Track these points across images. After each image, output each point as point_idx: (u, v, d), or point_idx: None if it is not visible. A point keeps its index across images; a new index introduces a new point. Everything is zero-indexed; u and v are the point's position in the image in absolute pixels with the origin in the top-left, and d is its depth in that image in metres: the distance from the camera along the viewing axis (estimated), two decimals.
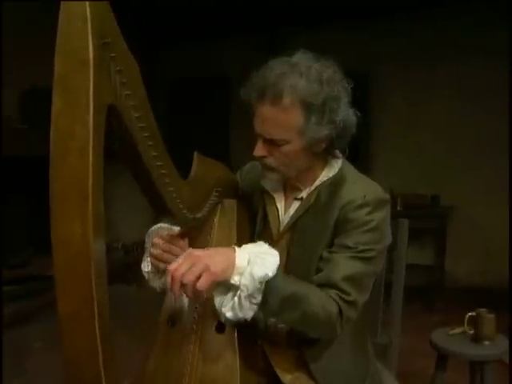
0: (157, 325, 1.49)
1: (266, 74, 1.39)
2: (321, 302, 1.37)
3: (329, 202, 1.51)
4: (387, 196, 1.53)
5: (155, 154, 1.19)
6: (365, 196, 1.47)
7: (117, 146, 1.14)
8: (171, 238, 1.47)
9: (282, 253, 1.54)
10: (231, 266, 1.26)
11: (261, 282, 1.26)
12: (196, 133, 6.93)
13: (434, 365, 2.61)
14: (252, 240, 1.61)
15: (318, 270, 1.46)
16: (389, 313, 2.02)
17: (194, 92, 7.09)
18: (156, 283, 1.53)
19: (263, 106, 1.40)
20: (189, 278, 1.20)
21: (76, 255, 0.92)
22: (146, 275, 1.55)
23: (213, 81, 6.92)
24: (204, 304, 1.45)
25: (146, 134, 1.15)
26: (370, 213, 1.46)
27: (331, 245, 1.48)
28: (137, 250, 5.71)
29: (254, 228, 1.64)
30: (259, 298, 1.28)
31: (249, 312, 1.29)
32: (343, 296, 1.40)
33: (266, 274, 1.27)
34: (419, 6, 5.48)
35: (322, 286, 1.41)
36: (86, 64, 0.93)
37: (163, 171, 1.23)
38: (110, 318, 0.96)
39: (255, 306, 1.29)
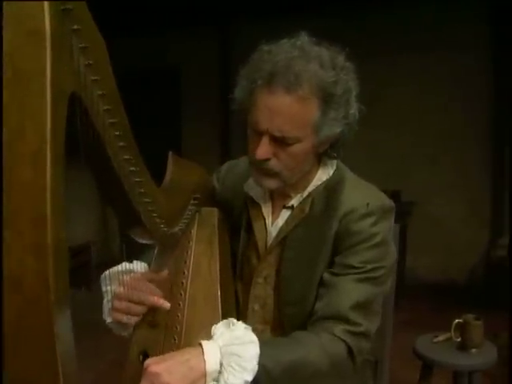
0: (125, 360, 1.24)
1: (271, 57, 1.14)
2: (324, 353, 1.14)
3: (325, 211, 1.29)
4: (392, 203, 1.32)
5: (128, 157, 0.95)
6: (368, 204, 1.25)
7: (80, 147, 0.89)
8: (135, 283, 1.21)
9: (270, 271, 1.33)
10: (199, 378, 1.01)
11: None
12: (144, 128, 6.61)
13: (418, 375, 2.47)
14: (235, 257, 1.39)
15: (320, 297, 1.25)
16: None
17: (141, 84, 6.76)
18: (122, 332, 1.28)
19: (272, 95, 1.14)
20: None
21: (30, 301, 0.67)
22: (108, 325, 1.30)
23: (161, 72, 6.59)
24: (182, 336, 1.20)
25: (118, 133, 0.92)
26: (374, 224, 1.24)
27: (331, 262, 1.26)
28: (84, 252, 5.41)
29: (236, 241, 1.40)
30: None
31: None
32: (352, 329, 1.18)
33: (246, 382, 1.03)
34: None
35: (327, 319, 1.20)
36: (41, 36, 0.67)
37: (138, 179, 0.99)
38: None
39: None
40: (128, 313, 1.20)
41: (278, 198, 1.36)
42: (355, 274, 1.21)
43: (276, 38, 1.20)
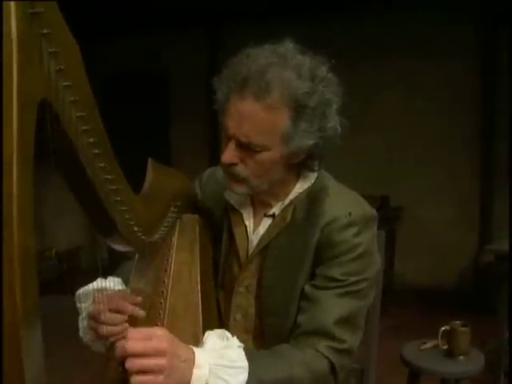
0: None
1: (249, 62, 1.13)
2: (307, 369, 1.12)
3: (307, 219, 1.26)
4: (374, 212, 1.30)
5: (103, 164, 0.92)
6: (350, 213, 1.23)
7: (51, 155, 0.86)
8: (109, 302, 1.17)
9: (251, 280, 1.31)
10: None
11: None
12: (134, 134, 6.59)
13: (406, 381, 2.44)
14: (217, 266, 1.36)
15: (302, 310, 1.22)
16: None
17: (130, 89, 6.72)
18: (100, 349, 1.25)
19: (243, 100, 1.12)
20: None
21: None
22: (85, 342, 1.27)
23: (151, 76, 6.56)
24: None
25: (91, 140, 0.89)
26: (357, 234, 1.22)
27: (313, 273, 1.24)
28: (72, 257, 5.35)
29: (217, 249, 1.37)
30: None
31: None
32: (336, 345, 1.16)
33: None
34: (366, 1, 5.34)
35: (311, 334, 1.18)
36: (7, 40, 0.65)
37: (113, 187, 0.96)
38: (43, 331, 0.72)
39: None
40: (104, 334, 1.17)
41: (259, 205, 1.34)
42: (338, 287, 1.19)
43: (266, 41, 1.18)
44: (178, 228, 1.32)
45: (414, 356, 2.39)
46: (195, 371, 0.99)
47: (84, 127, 0.86)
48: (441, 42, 5.25)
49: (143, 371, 0.94)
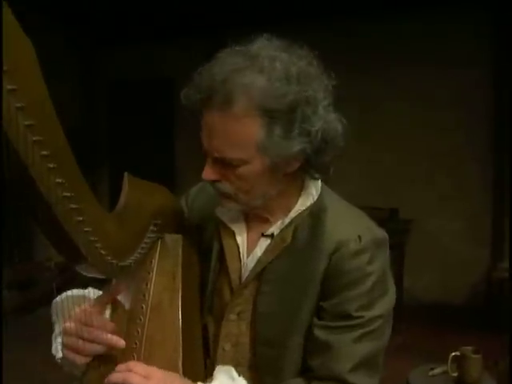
0: None
1: (214, 70, 1.01)
2: None
3: (310, 242, 1.13)
4: (384, 234, 1.16)
5: (60, 180, 0.80)
6: (360, 237, 1.10)
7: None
8: (87, 315, 1.06)
9: (244, 307, 1.17)
10: None
11: None
12: (138, 141, 6.52)
13: None
14: (204, 291, 1.23)
15: (313, 353, 1.10)
16: None
17: (135, 95, 6.66)
18: (74, 371, 1.13)
19: (210, 112, 1.02)
20: None
21: None
22: (58, 361, 1.15)
23: (156, 83, 6.51)
24: None
25: (45, 153, 0.76)
26: (370, 262, 1.09)
27: (319, 307, 1.11)
28: (71, 268, 5.25)
29: (206, 270, 1.24)
30: None
31: None
32: None
33: None
34: (371, 9, 5.24)
35: (323, 380, 1.07)
36: None
37: (73, 205, 0.84)
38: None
39: None
40: (79, 352, 1.05)
41: (255, 224, 1.20)
42: (352, 328, 1.07)
43: None
44: (158, 249, 1.19)
45: (421, 382, 2.26)
46: None
47: (35, 138, 0.74)
48: (453, 53, 5.16)
49: None
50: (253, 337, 1.17)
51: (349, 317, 1.07)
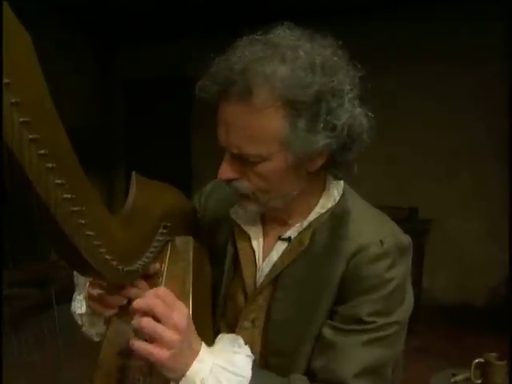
0: None
1: (233, 60, 0.94)
2: None
3: (329, 247, 1.06)
4: (409, 239, 1.09)
5: (60, 181, 0.75)
6: (381, 242, 1.03)
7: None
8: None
9: (258, 313, 1.11)
10: (176, 371, 0.90)
11: None
12: (154, 140, 6.50)
13: None
14: (216, 295, 1.17)
15: (318, 353, 1.03)
16: None
17: (152, 94, 6.65)
18: (94, 328, 1.14)
19: (228, 105, 0.95)
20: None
21: None
22: (78, 319, 1.15)
23: (172, 82, 6.47)
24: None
25: (42, 151, 0.71)
26: (390, 267, 1.02)
27: (333, 311, 1.04)
28: None
29: (220, 274, 1.18)
30: None
31: None
32: None
33: None
34: (385, 6, 5.15)
35: (324, 382, 0.99)
36: None
37: (74, 207, 0.78)
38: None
39: None
40: (104, 303, 1.06)
41: (272, 224, 1.14)
42: (362, 332, 1.00)
43: None
44: (168, 252, 1.14)
45: None
46: (196, 364, 0.91)
47: (31, 136, 0.69)
48: (469, 48, 5.07)
49: (152, 337, 0.87)
50: (264, 345, 1.11)
51: (360, 321, 1.00)
